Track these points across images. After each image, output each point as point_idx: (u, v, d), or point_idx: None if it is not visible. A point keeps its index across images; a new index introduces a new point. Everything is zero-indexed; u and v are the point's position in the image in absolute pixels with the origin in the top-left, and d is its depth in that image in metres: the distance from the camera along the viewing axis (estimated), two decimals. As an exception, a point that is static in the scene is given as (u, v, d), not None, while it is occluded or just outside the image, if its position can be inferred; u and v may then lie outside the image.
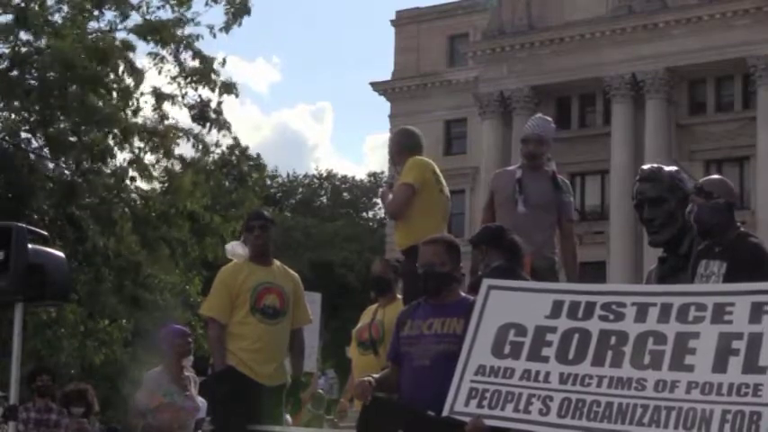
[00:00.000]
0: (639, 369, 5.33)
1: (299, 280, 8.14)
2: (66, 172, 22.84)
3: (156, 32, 21.44)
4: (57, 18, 22.07)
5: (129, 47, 21.97)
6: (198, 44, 22.08)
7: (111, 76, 22.01)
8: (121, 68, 21.97)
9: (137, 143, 22.06)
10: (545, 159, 8.47)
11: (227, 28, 22.00)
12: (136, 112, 22.21)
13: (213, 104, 22.44)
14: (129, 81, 22.16)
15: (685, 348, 5.27)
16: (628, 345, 5.43)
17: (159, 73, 21.97)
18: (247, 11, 22.17)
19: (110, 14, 22.19)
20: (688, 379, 5.17)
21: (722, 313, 5.29)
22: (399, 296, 8.36)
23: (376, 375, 6.34)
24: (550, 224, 8.22)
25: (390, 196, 8.19)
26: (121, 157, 22.65)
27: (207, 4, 21.97)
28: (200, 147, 23.08)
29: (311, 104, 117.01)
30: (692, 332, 5.31)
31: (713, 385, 5.08)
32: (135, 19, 22.02)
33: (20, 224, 7.33)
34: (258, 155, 26.83)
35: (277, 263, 8.04)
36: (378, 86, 53.94)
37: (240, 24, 22.06)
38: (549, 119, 8.97)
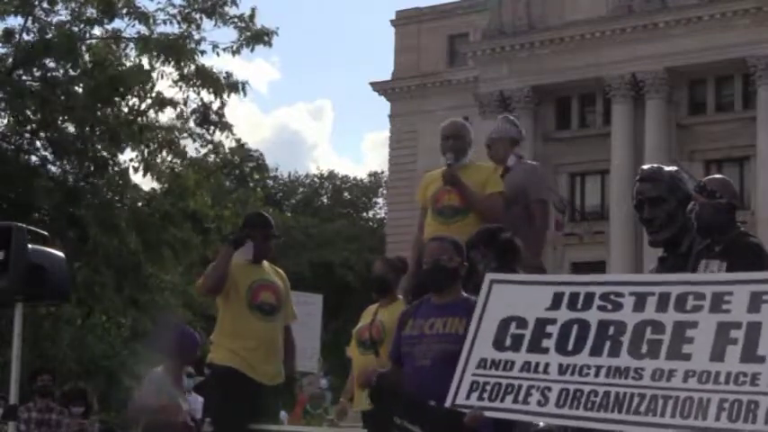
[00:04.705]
0: (637, 358, 5.31)
1: (285, 277, 8.20)
2: (70, 177, 22.81)
3: (169, 50, 21.13)
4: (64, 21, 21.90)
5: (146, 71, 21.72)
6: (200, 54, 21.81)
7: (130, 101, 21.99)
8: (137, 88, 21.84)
9: (145, 142, 21.91)
10: (506, 156, 8.23)
11: (234, 51, 21.45)
12: (141, 114, 22.14)
13: (215, 106, 22.30)
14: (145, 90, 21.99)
15: (683, 337, 5.25)
16: (626, 334, 5.41)
17: (162, 77, 21.89)
18: (267, 42, 21.50)
19: (116, 22, 22.08)
20: (685, 368, 5.14)
21: (720, 302, 5.26)
22: (400, 296, 8.36)
23: (381, 369, 6.37)
24: (515, 217, 7.74)
25: (473, 194, 7.81)
26: (127, 156, 22.62)
27: (216, 24, 21.62)
28: (208, 146, 23.07)
29: (310, 103, 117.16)
30: (691, 321, 5.28)
31: (711, 374, 5.06)
32: (139, 28, 21.89)
33: (20, 224, 7.33)
34: (260, 154, 26.40)
35: (265, 261, 8.07)
36: (378, 86, 53.97)
37: (253, 50, 21.57)
38: (511, 118, 8.75)
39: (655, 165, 7.03)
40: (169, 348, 8.92)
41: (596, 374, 5.37)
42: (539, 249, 7.90)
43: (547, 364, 5.53)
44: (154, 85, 21.77)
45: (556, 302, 5.73)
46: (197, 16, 21.56)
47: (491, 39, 46.94)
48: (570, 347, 5.53)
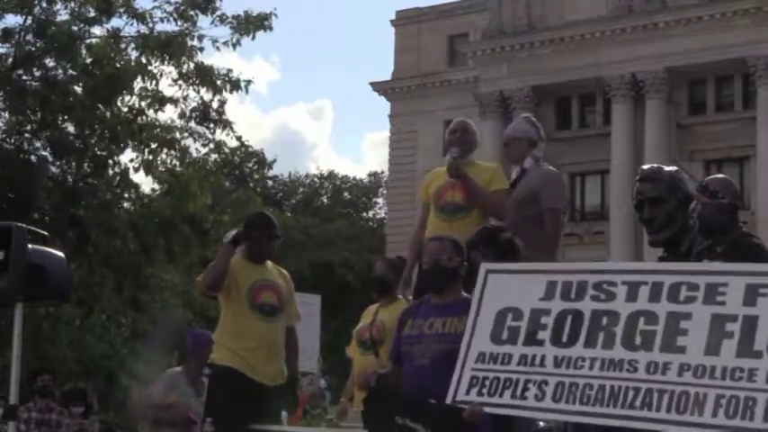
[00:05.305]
0: (631, 350, 5.26)
1: (290, 278, 8.19)
2: (70, 177, 22.80)
3: (166, 47, 21.13)
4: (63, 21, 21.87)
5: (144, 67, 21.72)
6: (199, 52, 21.79)
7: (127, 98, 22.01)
8: (138, 84, 21.84)
9: (146, 143, 21.88)
10: (523, 157, 8.04)
11: (235, 44, 21.43)
12: (140, 113, 22.11)
13: (215, 104, 22.25)
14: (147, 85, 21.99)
15: (677, 329, 5.20)
16: (619, 325, 5.36)
17: (160, 76, 21.86)
18: (267, 27, 21.49)
19: (114, 21, 22.08)
20: (680, 361, 5.09)
21: (715, 294, 5.19)
22: (400, 296, 8.35)
23: (381, 370, 6.37)
24: (526, 220, 7.56)
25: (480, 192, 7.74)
26: (127, 157, 22.59)
27: (213, 23, 21.63)
28: (210, 146, 23.04)
29: (310, 103, 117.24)
30: (684, 312, 5.22)
31: (706, 368, 5.01)
32: (138, 27, 21.86)
33: (20, 224, 7.32)
34: (261, 150, 26.43)
35: (269, 261, 8.06)
36: (378, 86, 53.99)
37: (254, 38, 21.62)
38: (532, 119, 8.43)
39: (655, 165, 7.01)
40: (184, 348, 8.92)
41: (591, 367, 5.33)
42: (551, 255, 7.69)
43: (543, 357, 5.50)
44: (158, 82, 21.79)
45: (549, 292, 5.68)
46: (192, 13, 21.57)
47: (491, 39, 46.96)
48: (565, 339, 5.49)
